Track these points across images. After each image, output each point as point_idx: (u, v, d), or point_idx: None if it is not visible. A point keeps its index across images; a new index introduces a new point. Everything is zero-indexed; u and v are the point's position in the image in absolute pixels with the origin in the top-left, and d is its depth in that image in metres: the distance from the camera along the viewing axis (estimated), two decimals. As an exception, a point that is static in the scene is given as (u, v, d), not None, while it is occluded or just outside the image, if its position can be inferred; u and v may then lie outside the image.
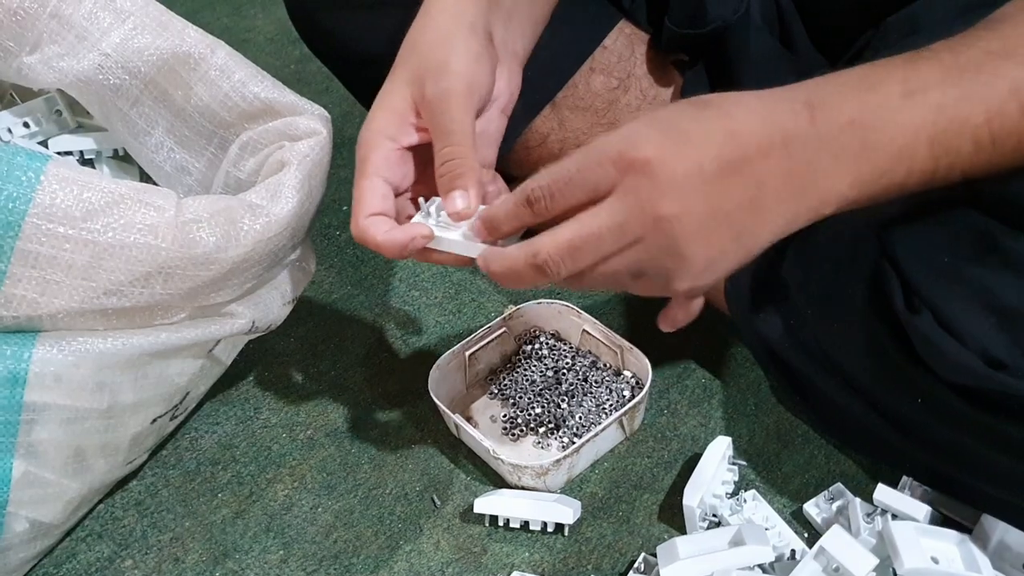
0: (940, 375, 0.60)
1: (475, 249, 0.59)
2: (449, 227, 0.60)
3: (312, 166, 0.71)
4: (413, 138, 0.64)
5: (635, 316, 0.87)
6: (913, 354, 0.62)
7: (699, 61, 0.84)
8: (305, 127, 0.73)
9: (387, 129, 0.63)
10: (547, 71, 0.82)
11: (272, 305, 0.73)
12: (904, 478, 0.67)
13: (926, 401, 0.63)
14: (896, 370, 0.64)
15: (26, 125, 0.81)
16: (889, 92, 0.55)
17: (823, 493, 0.70)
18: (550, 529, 0.71)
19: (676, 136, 0.53)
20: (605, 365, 0.81)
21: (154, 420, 0.71)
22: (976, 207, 0.64)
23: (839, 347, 0.69)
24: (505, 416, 0.79)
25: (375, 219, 0.62)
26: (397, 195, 0.65)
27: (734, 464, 0.72)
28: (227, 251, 0.64)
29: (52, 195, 0.59)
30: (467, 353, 0.80)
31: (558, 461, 0.72)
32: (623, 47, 0.85)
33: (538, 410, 0.78)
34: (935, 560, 0.62)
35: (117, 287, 0.62)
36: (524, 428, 0.78)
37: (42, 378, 0.62)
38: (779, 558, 0.66)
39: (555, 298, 0.84)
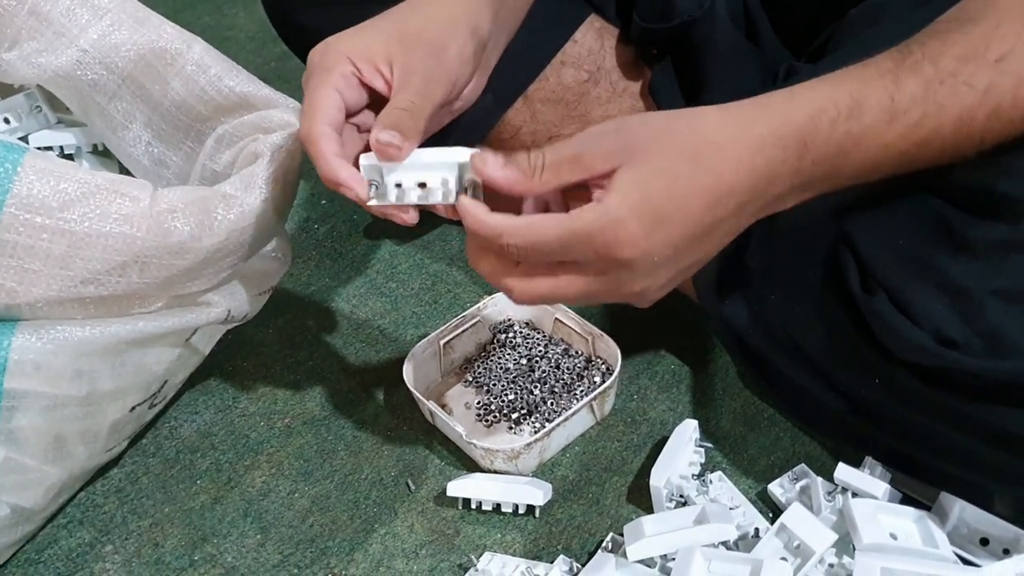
0: (895, 354, 0.62)
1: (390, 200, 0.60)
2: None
3: (285, 157, 0.72)
4: (378, 83, 0.64)
5: (607, 305, 0.89)
6: (870, 335, 0.64)
7: (667, 54, 0.86)
8: (279, 120, 0.75)
9: (358, 58, 0.63)
10: (518, 64, 0.84)
11: (248, 295, 0.75)
12: (866, 458, 0.69)
13: (883, 381, 0.64)
14: (854, 351, 0.65)
15: (6, 121, 0.82)
16: (877, 118, 0.57)
17: (787, 474, 0.72)
18: (521, 511, 0.73)
19: (657, 224, 0.55)
20: (577, 352, 0.83)
21: (133, 408, 0.72)
22: (933, 193, 0.66)
23: (801, 330, 0.71)
24: (479, 403, 0.81)
25: (328, 133, 0.61)
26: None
27: (701, 446, 0.74)
28: (202, 240, 0.66)
29: (29, 186, 0.60)
30: (442, 342, 0.82)
31: (529, 445, 0.73)
32: (593, 41, 0.86)
33: (511, 397, 0.80)
34: (894, 536, 0.64)
35: (94, 276, 0.63)
36: (497, 415, 0.79)
37: (21, 366, 0.63)
38: (743, 536, 0.67)
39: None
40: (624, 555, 0.66)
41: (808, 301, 0.70)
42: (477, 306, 0.84)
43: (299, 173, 0.75)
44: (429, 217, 0.98)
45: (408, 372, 0.78)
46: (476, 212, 0.57)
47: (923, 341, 0.60)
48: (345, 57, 0.63)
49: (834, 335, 0.67)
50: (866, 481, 0.66)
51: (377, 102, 0.64)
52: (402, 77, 0.63)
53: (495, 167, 0.57)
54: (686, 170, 0.56)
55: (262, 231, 0.71)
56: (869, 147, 0.58)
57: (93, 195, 0.62)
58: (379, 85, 0.64)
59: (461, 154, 0.59)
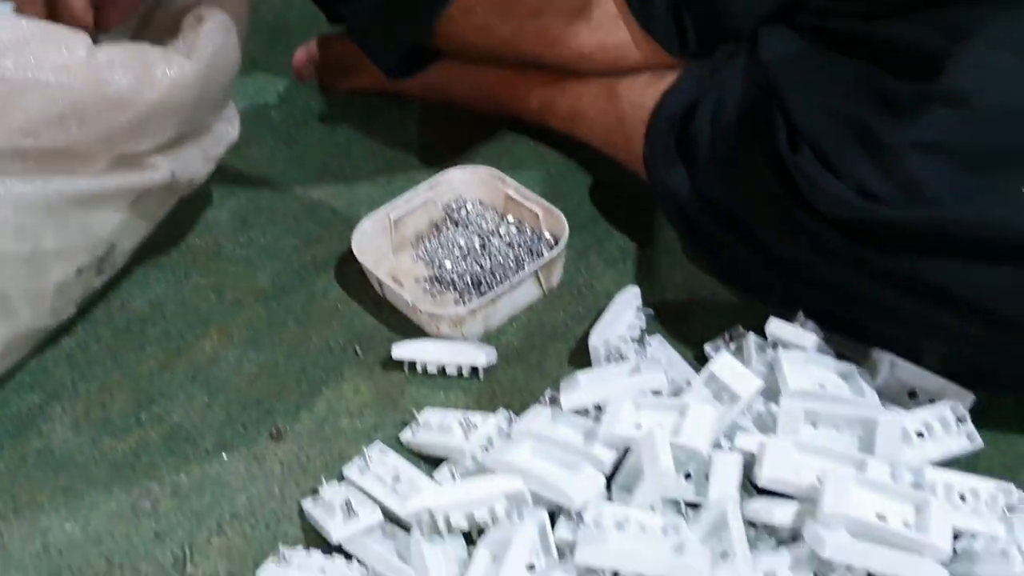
0: (820, 211, 0.63)
1: None
2: None
3: (228, 21, 0.72)
4: None
5: (561, 185, 0.90)
6: (798, 193, 0.65)
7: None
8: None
9: None
10: None
11: (193, 160, 0.75)
12: (799, 313, 0.70)
13: (811, 240, 0.66)
14: (784, 211, 0.67)
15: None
16: None
17: (722, 334, 0.73)
18: (465, 374, 0.74)
19: None
20: (528, 228, 0.84)
21: (79, 271, 0.73)
22: (861, 54, 0.67)
23: (736, 196, 0.72)
24: (428, 277, 0.82)
25: None
26: None
27: (642, 311, 0.75)
28: (142, 94, 0.66)
29: (-38, 31, 0.60)
30: (392, 216, 0.83)
31: (474, 310, 0.74)
32: None
33: (460, 271, 0.81)
34: (822, 387, 0.65)
35: (32, 127, 0.63)
36: (446, 286, 0.80)
37: (-38, 219, 0.64)
38: (677, 391, 0.69)
39: (480, 164, 0.86)
40: (559, 407, 0.67)
41: (742, 166, 0.71)
42: (428, 182, 0.85)
43: (244, 41, 0.75)
44: (385, 100, 0.99)
45: (357, 243, 0.79)
46: None
47: (844, 194, 0.61)
48: None
49: (766, 197, 0.68)
50: (796, 334, 0.68)
51: None
52: None
53: None
54: None
55: (205, 94, 0.71)
56: None
57: (28, 43, 0.62)
58: None
59: None
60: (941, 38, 0.62)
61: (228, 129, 0.78)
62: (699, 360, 0.74)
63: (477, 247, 0.83)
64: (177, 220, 0.86)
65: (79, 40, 0.64)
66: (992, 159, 0.58)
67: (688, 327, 0.76)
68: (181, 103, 0.68)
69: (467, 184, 0.86)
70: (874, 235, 0.62)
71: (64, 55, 0.63)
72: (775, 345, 0.68)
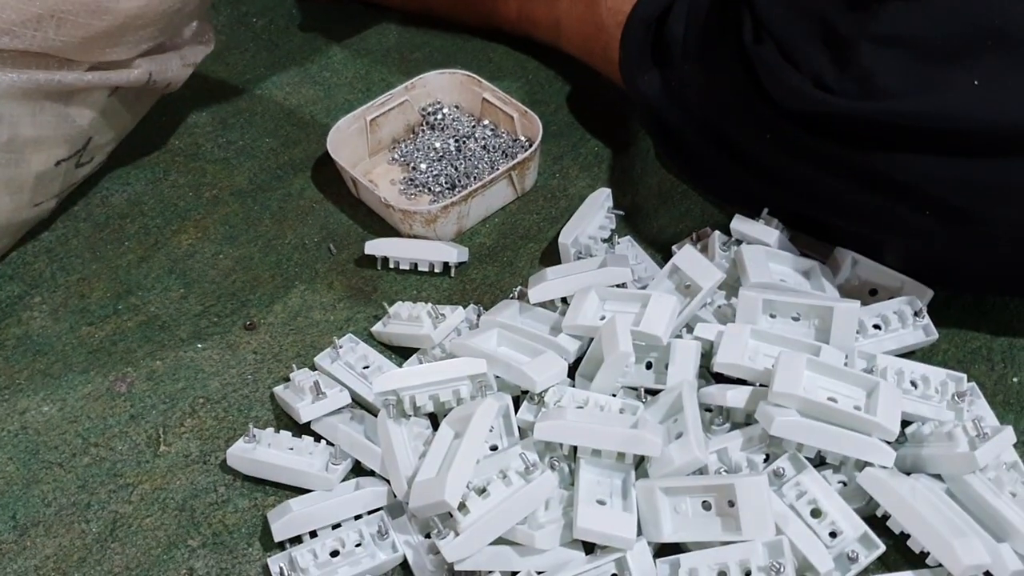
0: (778, 102, 0.64)
1: None
2: None
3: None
4: None
5: (539, 92, 0.90)
6: (761, 88, 0.66)
7: None
8: None
9: None
10: None
11: (171, 64, 0.76)
12: (764, 211, 0.71)
13: (774, 135, 0.67)
14: (748, 106, 0.67)
15: None
16: None
17: (690, 235, 0.74)
18: (437, 271, 0.75)
19: None
20: (504, 132, 0.85)
21: (58, 163, 0.73)
22: None
23: (705, 94, 0.73)
24: (404, 179, 0.83)
25: None
26: None
27: (612, 212, 0.76)
28: (119, 2, 0.66)
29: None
30: (368, 118, 0.83)
31: (446, 207, 0.75)
32: None
33: (436, 173, 0.82)
34: (783, 282, 0.67)
35: (8, 26, 0.64)
36: (421, 187, 0.81)
37: (-62, 104, 0.65)
38: (644, 287, 0.70)
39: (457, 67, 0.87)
40: (528, 301, 0.68)
41: (712, 62, 0.72)
42: (404, 85, 0.85)
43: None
44: (366, 9, 0.99)
45: (332, 142, 0.80)
46: None
47: (802, 85, 0.62)
48: None
49: (732, 92, 0.69)
50: (760, 230, 0.69)
51: None
52: None
53: None
54: None
55: (182, 6, 0.71)
56: None
57: (1, -68, 0.62)
58: None
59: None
60: None
61: (204, 41, 0.78)
62: (667, 261, 0.75)
63: (453, 150, 0.84)
64: (158, 122, 0.87)
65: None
66: (945, 51, 0.59)
67: (658, 228, 0.77)
68: (159, 13, 0.69)
69: (444, 88, 0.87)
70: (831, 128, 0.63)
71: (38, -55, 0.63)
72: (739, 242, 0.70)
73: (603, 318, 0.64)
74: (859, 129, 0.61)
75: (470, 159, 0.82)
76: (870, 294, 0.69)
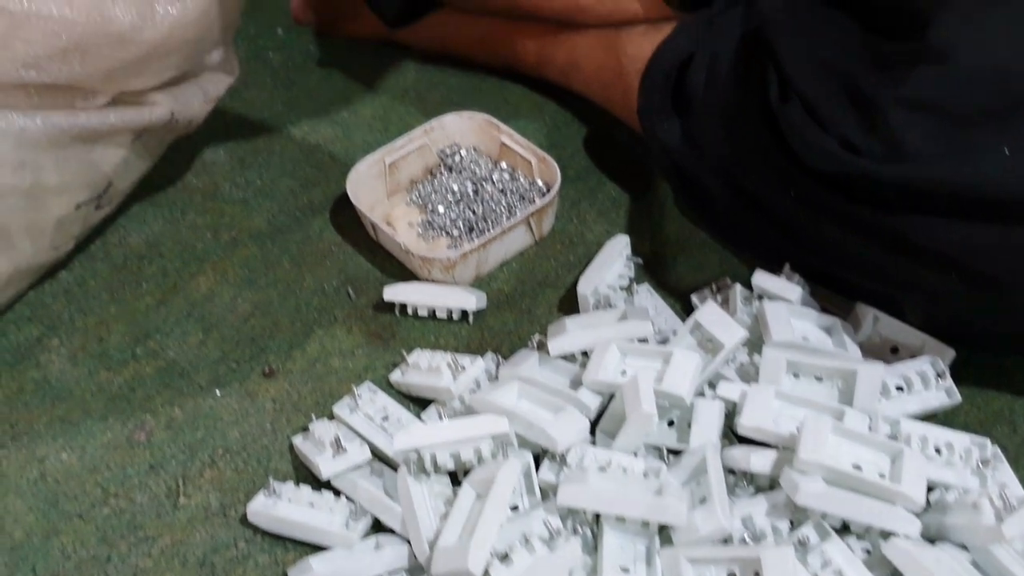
0: (805, 162, 0.64)
1: None
2: None
3: (230, -40, 0.72)
4: None
5: (556, 135, 0.90)
6: (785, 145, 0.66)
7: None
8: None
9: None
10: None
11: (193, 100, 0.76)
12: (785, 266, 0.71)
13: (797, 192, 0.66)
14: (772, 163, 0.67)
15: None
16: None
17: (709, 285, 0.74)
18: (455, 317, 0.75)
19: None
20: (522, 176, 0.85)
21: (78, 206, 0.74)
22: (853, 11, 0.68)
23: (727, 146, 0.72)
24: (422, 221, 0.83)
25: None
26: None
27: (631, 260, 0.76)
28: (143, 33, 0.66)
29: (-35, -38, 0.61)
30: (387, 160, 0.83)
31: (465, 255, 0.75)
32: None
33: (453, 216, 0.82)
34: (805, 339, 0.67)
35: (35, 60, 0.64)
36: (439, 231, 0.81)
37: (-37, 150, 0.65)
38: (664, 340, 0.70)
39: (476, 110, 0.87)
40: (546, 351, 0.68)
41: (735, 116, 0.71)
42: (423, 128, 0.85)
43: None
44: (384, 47, 0.99)
45: (352, 185, 0.80)
46: None
47: (828, 146, 0.62)
48: None
49: (756, 148, 0.69)
50: (782, 286, 0.69)
51: None
52: None
53: None
54: None
55: (206, 34, 0.71)
56: None
57: (30, -25, 0.62)
58: None
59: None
60: None
61: (228, 70, 0.78)
62: (686, 311, 0.75)
63: (470, 193, 0.84)
64: (176, 160, 0.87)
65: (81, -26, 0.64)
66: (973, 117, 0.59)
67: (676, 277, 0.77)
68: (182, 42, 0.69)
69: (462, 130, 0.87)
70: (856, 189, 0.63)
71: (66, -11, 0.63)
72: (760, 296, 0.70)
73: (624, 372, 0.64)
74: (886, 191, 0.61)
75: (488, 202, 0.82)
76: (891, 351, 0.69)
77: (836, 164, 0.62)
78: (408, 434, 0.61)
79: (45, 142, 0.68)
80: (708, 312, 0.66)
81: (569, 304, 0.76)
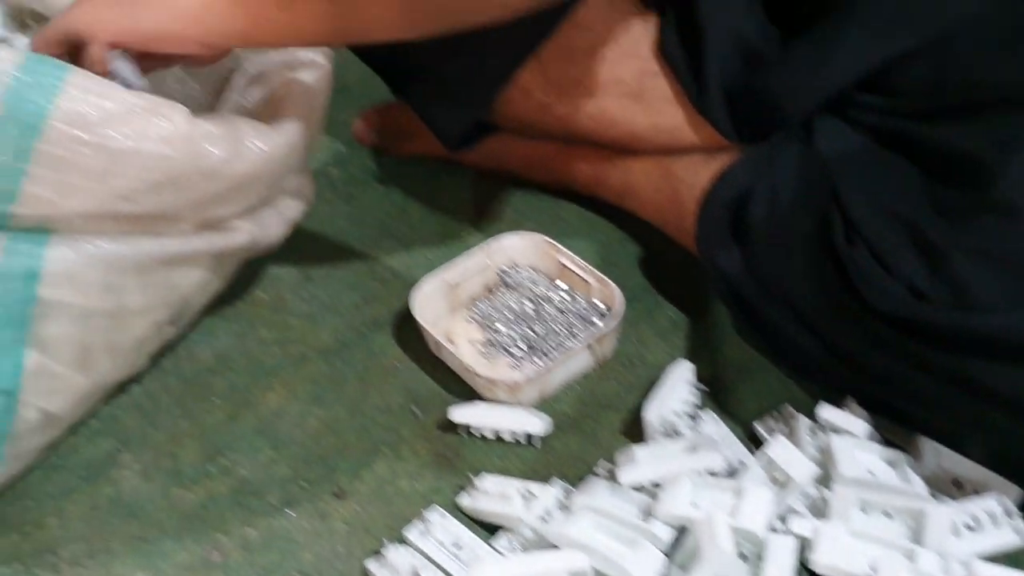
0: (871, 305, 0.66)
1: None
2: None
3: (313, 96, 0.76)
4: None
5: (611, 254, 0.93)
6: (851, 286, 0.68)
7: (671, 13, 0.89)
8: (307, 59, 0.78)
9: None
10: (530, 25, 0.87)
11: (271, 225, 0.78)
12: (848, 399, 0.73)
13: (862, 330, 0.68)
14: (837, 301, 0.69)
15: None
16: None
17: (772, 413, 0.76)
18: (521, 441, 0.77)
19: None
20: (580, 296, 0.87)
21: (157, 325, 0.76)
22: (916, 157, 0.71)
23: (790, 281, 0.75)
24: (484, 340, 0.85)
25: None
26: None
27: (694, 387, 0.78)
28: (233, 166, 0.69)
29: (73, 101, 0.63)
30: (448, 279, 0.86)
31: (530, 379, 0.77)
32: (603, 3, 0.89)
33: (514, 335, 0.84)
34: (871, 474, 0.68)
35: (130, 193, 0.67)
36: (500, 349, 0.83)
37: (55, 276, 0.67)
38: (731, 472, 0.71)
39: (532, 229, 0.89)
40: (616, 480, 0.70)
41: (798, 254, 0.74)
42: (483, 247, 0.88)
43: (325, 112, 0.79)
44: (441, 164, 1.02)
45: (415, 303, 0.82)
46: None
47: (896, 291, 0.64)
48: None
49: (819, 285, 0.71)
50: (847, 420, 0.70)
51: None
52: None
53: None
54: None
55: (289, 164, 0.74)
56: None
57: (133, 114, 0.65)
58: None
59: None
60: (993, 149, 0.66)
61: (304, 193, 0.81)
62: (750, 438, 0.76)
63: (530, 312, 0.86)
64: (242, 272, 0.89)
65: (179, 112, 0.67)
66: None
67: (738, 403, 0.79)
68: (268, 173, 0.72)
69: (521, 250, 0.89)
70: (922, 332, 0.65)
71: (166, 126, 0.66)
72: (826, 429, 0.71)
73: (695, 505, 0.66)
74: (950, 336, 0.63)
75: (548, 322, 0.85)
76: (954, 485, 0.70)
77: (903, 309, 0.64)
78: (484, 567, 0.62)
79: (131, 267, 0.70)
80: (779, 447, 0.67)
81: (633, 428, 0.77)
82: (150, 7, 0.67)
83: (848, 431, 0.70)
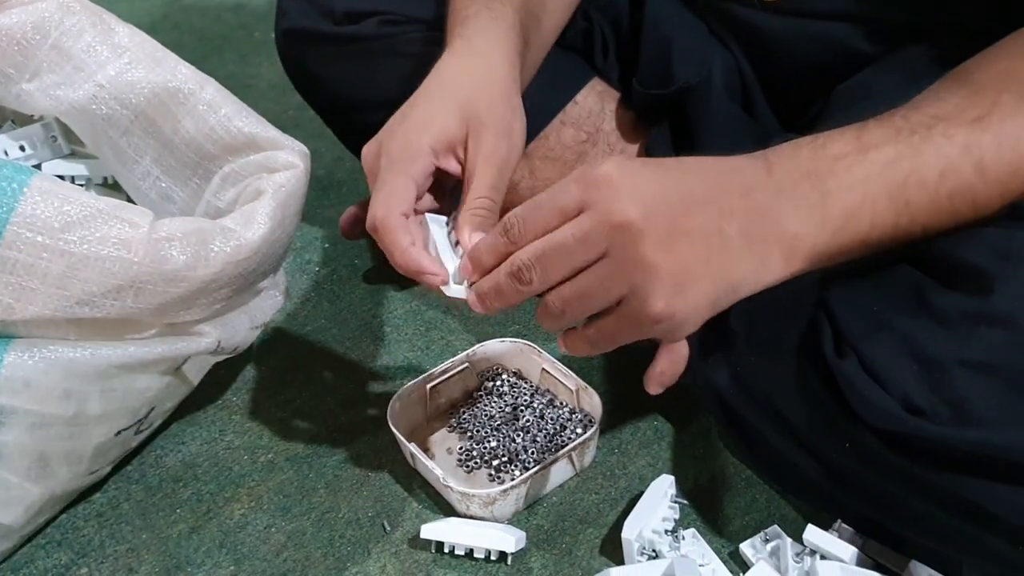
0: (864, 420, 0.63)
1: (464, 293, 0.62)
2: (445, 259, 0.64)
3: (286, 196, 0.75)
4: (452, 166, 0.67)
5: (594, 360, 0.90)
6: (842, 400, 0.65)
7: (665, 120, 0.88)
8: (284, 160, 0.77)
9: (437, 145, 0.66)
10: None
11: (239, 328, 0.77)
12: (837, 521, 0.69)
13: (853, 447, 0.65)
14: (827, 416, 0.66)
15: (22, 148, 0.85)
16: (843, 148, 0.59)
17: (759, 534, 0.72)
18: (494, 558, 0.73)
19: (637, 162, 0.58)
20: (562, 404, 0.84)
21: (118, 432, 0.73)
22: (909, 263, 0.68)
23: (778, 393, 0.71)
24: (461, 448, 0.82)
25: (403, 224, 0.64)
26: None
27: (676, 502, 0.74)
28: (196, 270, 0.68)
29: (34, 205, 0.63)
30: (428, 386, 0.83)
31: (505, 491, 0.74)
32: (594, 103, 0.89)
33: (493, 444, 0.81)
34: (859, 601, 0.64)
35: (90, 297, 0.65)
36: (479, 460, 0.80)
37: (12, 382, 0.65)
38: (711, 594, 0.68)
39: (519, 337, 0.87)
40: (590, 605, 0.66)
41: (786, 365, 0.71)
42: (466, 352, 0.85)
43: (299, 214, 0.78)
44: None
45: (393, 414, 0.79)
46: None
47: (890, 407, 0.61)
48: (429, 150, 0.66)
49: (808, 399, 0.68)
50: (834, 544, 0.67)
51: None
52: (475, 162, 0.66)
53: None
54: (654, 160, 0.58)
55: (258, 267, 0.73)
56: (842, 174, 0.58)
57: (94, 218, 0.64)
58: (453, 168, 0.68)
59: None
60: (993, 258, 0.63)
61: (276, 296, 0.79)
62: (732, 556, 0.72)
63: (511, 420, 0.83)
64: (215, 374, 0.87)
65: (142, 215, 0.66)
66: None
67: (723, 520, 0.75)
68: (233, 277, 0.70)
69: (504, 355, 0.87)
70: (918, 449, 0.61)
71: (127, 230, 0.65)
72: (812, 553, 0.67)
73: (671, 634, 0.62)
74: (948, 453, 0.59)
75: (528, 430, 0.82)
76: (948, 612, 0.66)
77: (899, 425, 0.60)
78: None
79: (92, 373, 0.68)
80: (760, 573, 0.64)
81: (611, 545, 0.74)
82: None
83: (835, 556, 0.66)
